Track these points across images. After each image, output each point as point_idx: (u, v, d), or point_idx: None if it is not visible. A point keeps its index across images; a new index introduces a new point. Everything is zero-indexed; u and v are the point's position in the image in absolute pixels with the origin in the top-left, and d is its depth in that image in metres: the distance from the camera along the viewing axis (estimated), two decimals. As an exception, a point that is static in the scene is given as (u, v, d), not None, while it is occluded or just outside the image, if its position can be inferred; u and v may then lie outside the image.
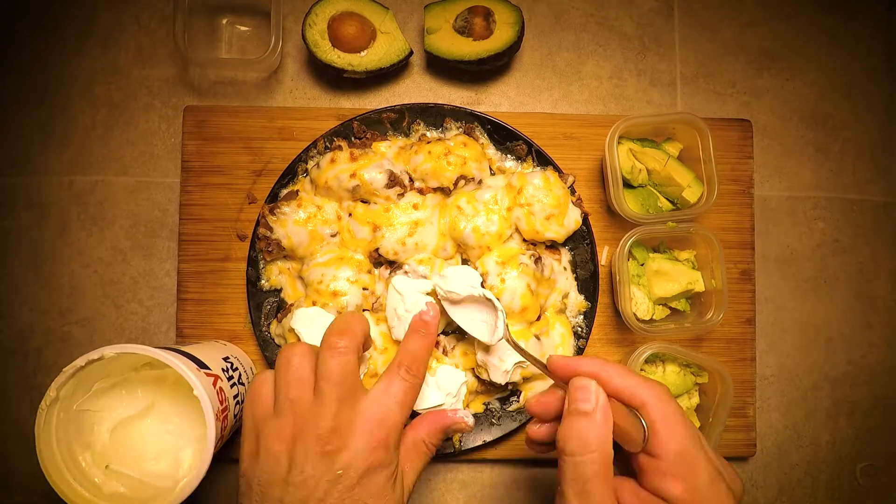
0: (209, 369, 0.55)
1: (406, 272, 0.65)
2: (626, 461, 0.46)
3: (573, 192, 0.70)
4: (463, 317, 0.60)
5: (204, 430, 0.51)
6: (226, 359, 0.61)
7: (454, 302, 0.60)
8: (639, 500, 0.42)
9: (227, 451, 0.69)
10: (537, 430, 0.49)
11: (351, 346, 0.48)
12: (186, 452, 0.59)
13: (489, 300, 0.57)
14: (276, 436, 0.45)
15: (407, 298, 0.63)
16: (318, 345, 0.50)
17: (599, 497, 0.40)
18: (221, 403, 0.54)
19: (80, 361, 0.51)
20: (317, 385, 0.47)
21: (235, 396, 0.58)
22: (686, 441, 0.42)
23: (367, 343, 0.52)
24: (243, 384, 0.62)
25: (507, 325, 0.56)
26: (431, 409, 0.64)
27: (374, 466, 0.45)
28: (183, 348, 0.56)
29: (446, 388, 0.64)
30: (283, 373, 0.48)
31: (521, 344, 0.65)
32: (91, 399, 0.56)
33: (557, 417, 0.47)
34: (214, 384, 0.54)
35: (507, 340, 0.55)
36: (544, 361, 0.49)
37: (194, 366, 0.53)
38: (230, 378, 0.59)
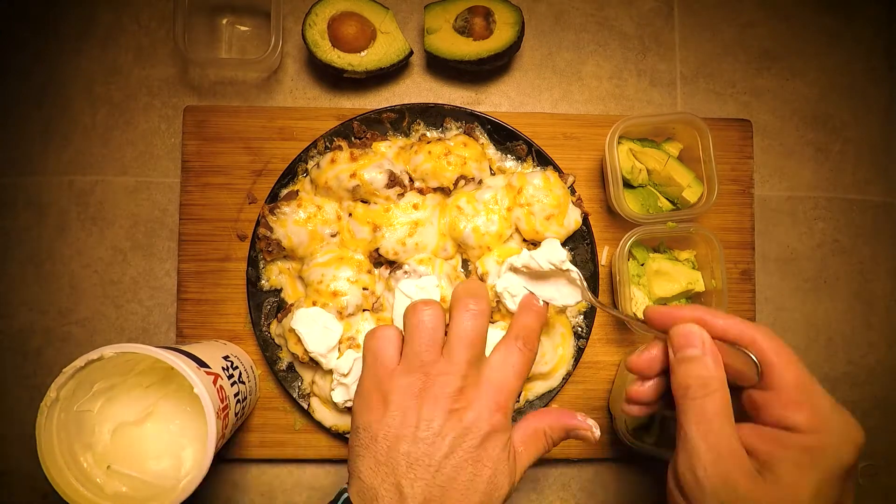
0: (209, 368, 0.55)
1: (406, 272, 0.66)
2: (739, 408, 0.45)
3: (573, 192, 0.70)
4: (546, 290, 0.59)
5: (205, 429, 0.51)
6: (226, 357, 0.61)
7: (538, 277, 0.60)
8: (761, 437, 0.42)
9: (229, 451, 0.69)
10: (639, 389, 0.49)
11: (485, 310, 0.49)
12: (188, 451, 0.59)
13: (566, 270, 0.57)
14: (406, 391, 0.46)
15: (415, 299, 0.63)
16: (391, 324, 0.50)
17: (727, 431, 0.41)
18: (222, 402, 0.54)
19: (79, 362, 0.51)
20: (448, 343, 0.47)
21: (236, 395, 0.58)
22: (802, 372, 0.42)
23: (489, 317, 0.53)
24: (244, 382, 0.62)
25: (586, 287, 0.57)
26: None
27: (495, 430, 0.45)
28: (183, 348, 0.56)
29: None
30: (418, 332, 0.47)
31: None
32: (91, 400, 0.56)
33: (661, 374, 0.48)
34: (215, 382, 0.54)
35: (591, 300, 0.56)
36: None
37: (194, 364, 0.53)
38: (230, 376, 0.59)
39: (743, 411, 0.45)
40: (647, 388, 0.49)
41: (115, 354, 0.51)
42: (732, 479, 0.40)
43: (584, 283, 0.57)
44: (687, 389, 0.43)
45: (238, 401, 0.59)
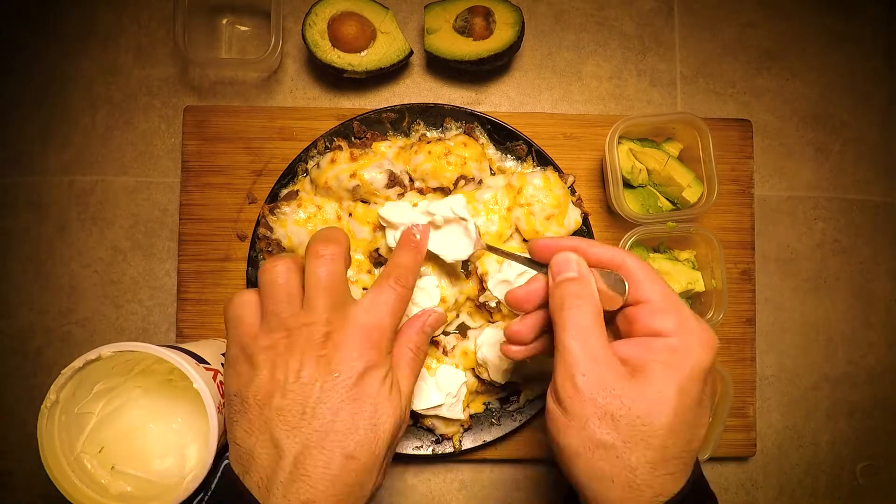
0: (208, 364, 0.55)
1: None
2: (614, 332, 0.49)
3: (573, 192, 0.70)
4: (441, 241, 0.61)
5: (207, 427, 0.51)
6: (224, 354, 0.61)
7: (435, 227, 0.61)
8: (633, 346, 0.45)
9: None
10: (517, 326, 0.51)
11: (338, 253, 0.48)
12: (192, 449, 0.59)
13: (462, 220, 0.59)
14: (271, 350, 0.46)
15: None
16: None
17: (601, 341, 0.44)
18: (223, 397, 0.54)
19: (77, 363, 0.51)
20: (306, 294, 0.47)
21: None
22: (666, 287, 0.46)
23: (347, 260, 0.52)
24: None
25: (480, 234, 0.59)
26: (432, 408, 0.64)
27: (369, 367, 0.46)
28: (181, 345, 0.56)
29: (446, 388, 0.64)
30: (271, 292, 0.47)
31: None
32: (92, 401, 0.56)
33: (540, 307, 0.50)
34: (214, 378, 0.54)
35: (486, 247, 0.58)
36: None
37: (193, 361, 0.53)
38: None
39: (617, 336, 0.48)
40: (525, 324, 0.51)
41: (114, 354, 0.51)
42: (608, 381, 0.42)
43: (478, 232, 0.58)
44: (563, 303, 0.45)
45: None
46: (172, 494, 0.51)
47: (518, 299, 0.51)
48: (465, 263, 0.69)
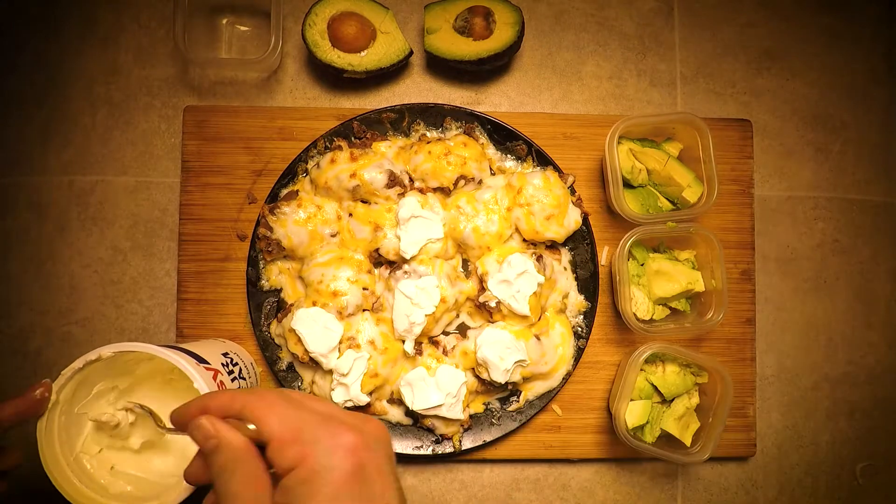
0: (209, 364, 0.55)
1: (406, 272, 0.66)
2: None
3: (573, 192, 0.70)
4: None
5: None
6: (225, 354, 0.61)
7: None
8: (280, 492, 0.39)
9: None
10: (194, 469, 0.45)
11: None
12: (192, 449, 0.59)
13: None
14: None
15: (416, 300, 0.64)
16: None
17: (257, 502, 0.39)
18: None
19: (77, 363, 0.51)
20: None
21: None
22: (283, 408, 0.40)
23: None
24: (244, 378, 0.62)
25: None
26: (432, 408, 0.64)
27: None
28: (182, 346, 0.56)
29: (446, 388, 0.64)
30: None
31: (522, 345, 0.65)
32: (93, 402, 0.56)
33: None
34: (215, 378, 0.54)
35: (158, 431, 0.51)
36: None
37: (193, 361, 0.53)
38: (230, 372, 0.59)
39: None
40: (196, 466, 0.45)
41: (114, 354, 0.51)
42: None
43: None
44: (218, 478, 0.40)
45: None
46: (172, 494, 0.51)
47: (196, 479, 0.45)
48: (465, 263, 0.69)
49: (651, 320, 0.69)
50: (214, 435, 0.42)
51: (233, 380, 0.58)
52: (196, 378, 0.51)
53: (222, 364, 0.58)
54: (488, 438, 0.68)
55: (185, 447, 0.60)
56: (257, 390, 0.43)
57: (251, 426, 0.41)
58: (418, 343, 0.67)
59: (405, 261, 0.66)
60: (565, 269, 0.70)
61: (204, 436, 0.42)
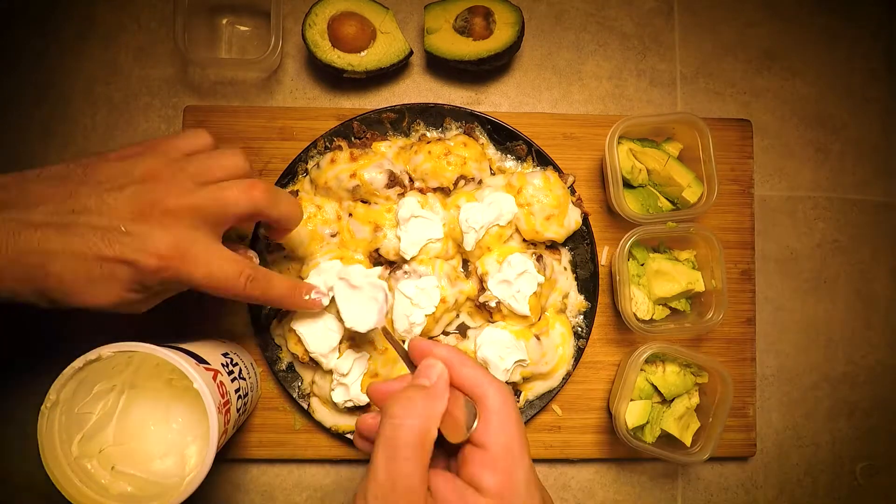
0: (208, 364, 0.55)
1: (406, 273, 0.66)
2: (448, 459, 0.44)
3: (573, 192, 0.70)
4: (353, 305, 0.60)
5: (208, 426, 0.51)
6: (225, 354, 0.61)
7: (351, 287, 0.61)
8: (451, 487, 0.40)
9: (229, 451, 0.69)
10: (373, 419, 0.46)
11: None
12: (192, 449, 0.59)
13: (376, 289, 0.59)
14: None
15: (416, 300, 0.64)
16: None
17: (409, 466, 0.38)
18: (223, 397, 0.54)
19: (77, 363, 0.51)
20: None
21: (237, 391, 0.59)
22: (516, 440, 0.41)
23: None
24: (244, 378, 0.62)
25: (386, 314, 0.59)
26: None
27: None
28: (182, 346, 0.56)
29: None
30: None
31: (522, 345, 0.65)
32: (93, 401, 0.56)
33: None
34: (214, 378, 0.54)
35: (383, 329, 0.55)
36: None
37: (193, 361, 0.53)
38: (230, 372, 0.59)
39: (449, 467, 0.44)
40: (376, 420, 0.46)
41: (114, 354, 0.51)
42: None
43: (386, 308, 0.59)
44: (391, 405, 0.40)
45: (239, 396, 0.59)
46: (173, 494, 0.51)
47: (378, 395, 0.46)
48: (465, 263, 0.69)
49: (651, 320, 0.69)
50: (433, 379, 0.42)
51: (232, 380, 0.58)
52: (196, 378, 0.51)
53: (222, 364, 0.58)
54: (488, 438, 0.68)
55: (185, 448, 0.60)
56: (507, 396, 0.43)
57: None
58: (418, 343, 0.67)
59: (405, 261, 0.66)
60: (565, 269, 0.70)
61: (425, 372, 0.43)
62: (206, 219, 0.49)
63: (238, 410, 0.58)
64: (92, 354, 0.51)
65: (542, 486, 0.42)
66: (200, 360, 0.54)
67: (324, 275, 0.63)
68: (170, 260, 0.47)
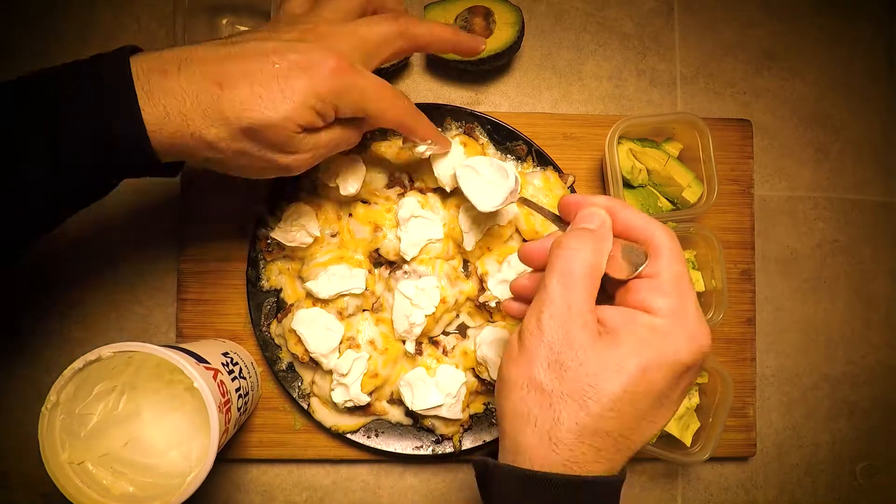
0: (209, 363, 0.55)
1: (406, 273, 0.66)
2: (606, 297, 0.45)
3: (573, 192, 0.70)
4: (477, 187, 0.60)
5: (209, 427, 0.51)
6: (225, 354, 0.61)
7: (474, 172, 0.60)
8: (619, 312, 0.41)
9: (229, 451, 0.69)
10: (527, 279, 0.48)
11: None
12: (194, 449, 0.60)
13: (505, 168, 0.58)
14: None
15: (415, 300, 0.63)
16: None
17: (584, 294, 0.40)
18: (223, 396, 0.54)
19: (77, 363, 0.51)
20: None
21: (238, 390, 0.59)
22: (685, 274, 0.42)
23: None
24: (244, 378, 0.62)
25: (519, 183, 0.58)
26: (432, 409, 0.64)
27: None
28: (182, 345, 0.56)
29: (446, 389, 0.64)
30: None
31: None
32: (93, 402, 0.56)
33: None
34: (215, 377, 0.54)
35: (520, 199, 0.56)
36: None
37: (193, 360, 0.53)
38: (231, 372, 0.59)
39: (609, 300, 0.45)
40: (534, 279, 0.47)
41: (114, 354, 0.51)
42: (572, 331, 0.39)
43: (517, 183, 0.58)
44: (563, 244, 0.42)
45: (240, 396, 0.59)
46: (174, 494, 0.51)
47: (530, 254, 0.47)
48: (466, 263, 0.69)
49: (651, 320, 0.69)
50: (597, 222, 0.43)
51: (233, 379, 0.58)
52: (196, 378, 0.51)
53: (222, 364, 0.58)
54: (488, 438, 0.68)
55: (187, 448, 0.60)
56: (674, 237, 0.43)
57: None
58: (418, 343, 0.67)
59: (405, 261, 0.66)
60: (565, 269, 0.70)
61: (587, 218, 0.44)
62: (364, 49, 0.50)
63: (239, 410, 0.58)
64: (92, 355, 0.51)
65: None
66: (200, 360, 0.54)
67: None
68: (342, 64, 0.47)
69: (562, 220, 0.48)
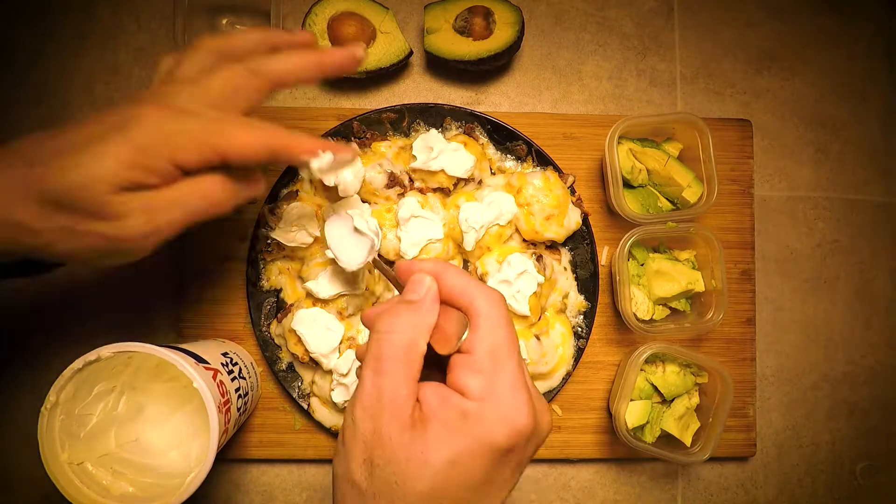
0: (208, 363, 0.55)
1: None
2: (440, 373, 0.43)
3: (573, 192, 0.70)
4: (342, 245, 0.58)
5: (209, 426, 0.51)
6: (224, 354, 0.61)
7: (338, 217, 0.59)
8: (437, 394, 0.39)
9: (229, 451, 0.69)
10: (364, 346, 0.45)
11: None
12: (194, 449, 0.60)
13: (366, 232, 0.57)
14: None
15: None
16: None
17: (395, 378, 0.38)
18: (223, 396, 0.54)
19: (77, 364, 0.51)
20: None
21: (237, 390, 0.59)
22: (503, 344, 0.39)
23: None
24: (244, 378, 0.62)
25: (377, 250, 0.57)
26: None
27: None
28: (181, 346, 0.56)
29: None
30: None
31: (521, 345, 0.65)
32: (93, 403, 0.56)
33: None
34: (214, 377, 0.54)
35: (375, 258, 0.55)
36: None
37: (192, 360, 0.53)
38: (230, 372, 0.59)
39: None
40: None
41: (113, 355, 0.51)
42: (383, 425, 0.37)
43: (375, 245, 0.57)
44: (377, 321, 0.40)
45: (239, 396, 0.59)
46: (174, 494, 0.51)
47: (368, 319, 0.44)
48: (466, 263, 0.69)
49: (651, 320, 0.69)
50: (421, 294, 0.41)
51: (232, 379, 0.58)
52: (195, 377, 0.51)
53: (222, 364, 0.58)
54: (488, 438, 0.67)
55: (187, 448, 0.60)
56: (497, 302, 0.41)
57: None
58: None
59: (405, 261, 0.66)
60: (565, 269, 0.70)
61: (413, 286, 0.42)
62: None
63: (238, 410, 0.58)
64: (91, 355, 0.51)
65: (532, 389, 0.41)
66: (200, 360, 0.54)
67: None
68: (163, 112, 0.42)
69: (398, 284, 0.46)
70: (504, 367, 0.39)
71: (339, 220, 0.59)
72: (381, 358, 0.38)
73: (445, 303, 0.42)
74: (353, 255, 0.58)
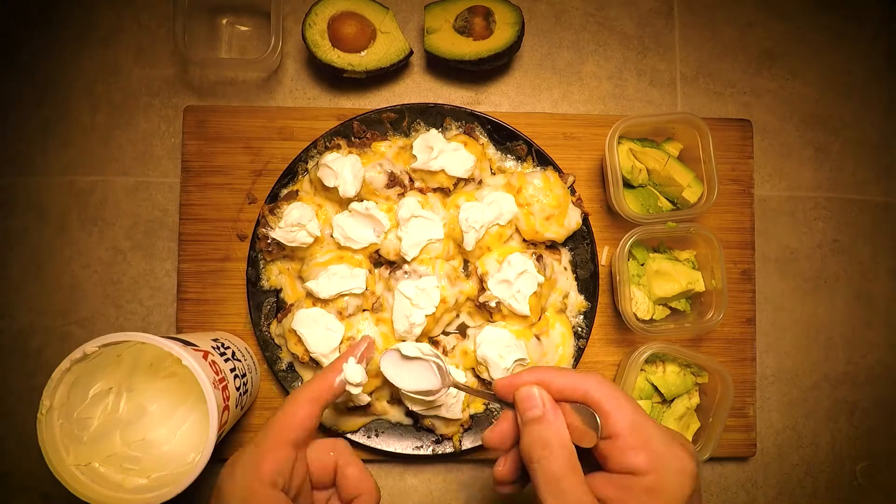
0: (196, 346, 0.55)
1: (406, 273, 0.65)
2: (590, 460, 0.46)
3: (573, 192, 0.70)
4: (409, 376, 0.58)
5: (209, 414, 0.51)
6: (215, 339, 0.61)
7: (404, 358, 0.58)
8: (612, 485, 0.42)
9: (229, 451, 0.69)
10: (502, 469, 0.48)
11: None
12: (200, 440, 0.60)
13: (433, 361, 0.56)
14: None
15: (415, 301, 0.63)
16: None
17: (575, 493, 0.41)
18: (217, 374, 0.54)
19: (64, 364, 0.50)
20: None
21: (233, 370, 0.58)
22: (634, 413, 0.43)
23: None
24: (239, 360, 0.62)
25: (448, 373, 0.57)
26: (432, 409, 0.64)
27: None
28: (169, 335, 0.56)
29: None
30: None
31: (521, 344, 0.65)
32: (91, 406, 0.55)
33: (516, 443, 0.47)
34: (205, 357, 0.54)
35: (455, 384, 0.56)
36: (502, 381, 0.49)
37: (180, 343, 0.53)
38: (223, 354, 0.59)
39: (596, 464, 0.46)
40: (508, 465, 0.48)
41: (99, 349, 0.51)
42: None
43: (445, 370, 0.56)
44: (531, 453, 0.43)
45: (236, 376, 0.59)
46: (185, 478, 0.51)
47: (493, 442, 0.48)
48: (466, 264, 0.69)
49: (651, 320, 0.69)
50: (540, 406, 0.45)
51: (226, 360, 0.58)
52: (184, 356, 0.50)
53: (213, 347, 0.58)
54: (488, 438, 0.68)
55: (191, 437, 0.60)
56: (604, 381, 0.45)
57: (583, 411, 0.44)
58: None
59: (405, 261, 0.66)
60: (565, 269, 0.70)
61: (531, 405, 0.45)
62: None
63: (238, 389, 0.58)
64: (77, 353, 0.50)
65: (665, 428, 0.44)
66: (188, 344, 0.54)
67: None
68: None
69: (501, 400, 0.48)
70: (650, 433, 0.43)
71: (389, 355, 0.58)
72: (556, 478, 0.42)
73: (558, 401, 0.45)
74: (419, 379, 0.57)
